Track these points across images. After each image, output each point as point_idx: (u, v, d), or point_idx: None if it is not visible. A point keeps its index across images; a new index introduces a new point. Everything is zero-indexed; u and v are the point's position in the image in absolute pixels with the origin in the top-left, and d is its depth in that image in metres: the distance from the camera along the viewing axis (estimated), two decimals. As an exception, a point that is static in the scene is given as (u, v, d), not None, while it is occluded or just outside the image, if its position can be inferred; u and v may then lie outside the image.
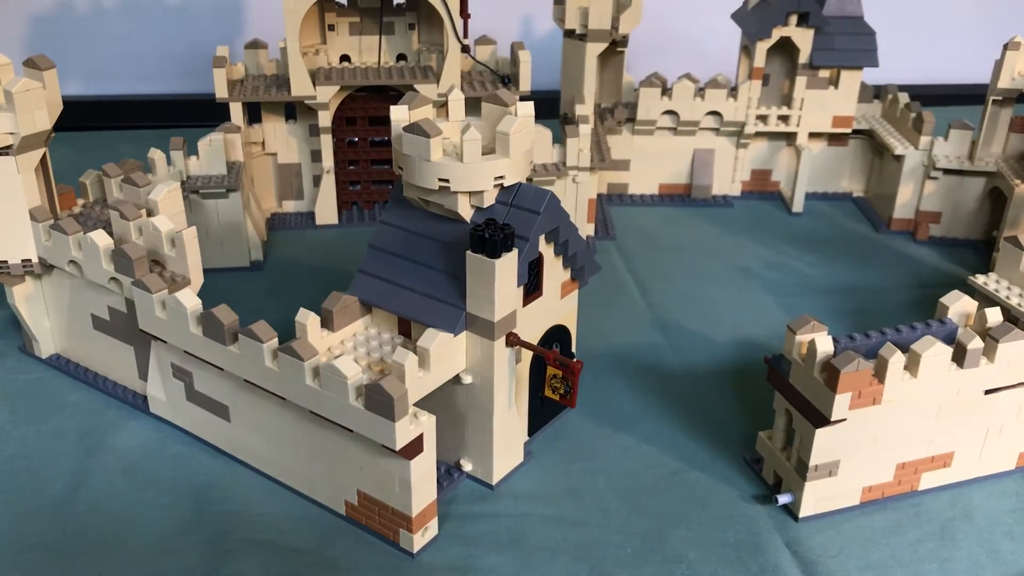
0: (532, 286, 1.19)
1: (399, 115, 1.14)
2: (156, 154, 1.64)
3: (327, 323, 1.18)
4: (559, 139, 1.82)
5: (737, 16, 2.06)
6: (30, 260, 1.37)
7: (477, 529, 1.17)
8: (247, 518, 1.18)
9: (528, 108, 1.12)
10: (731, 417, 1.38)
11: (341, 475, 1.15)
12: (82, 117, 2.28)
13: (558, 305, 1.26)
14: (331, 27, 1.87)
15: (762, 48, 1.95)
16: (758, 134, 2.06)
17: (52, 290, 1.42)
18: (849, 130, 2.04)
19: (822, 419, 1.11)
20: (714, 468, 1.28)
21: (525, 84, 1.83)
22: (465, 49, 1.81)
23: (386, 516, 1.13)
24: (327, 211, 1.93)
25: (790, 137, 2.07)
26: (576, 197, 1.82)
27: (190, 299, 1.17)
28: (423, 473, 1.09)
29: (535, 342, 1.23)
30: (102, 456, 1.28)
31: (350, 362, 1.04)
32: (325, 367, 1.05)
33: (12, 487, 1.22)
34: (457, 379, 1.17)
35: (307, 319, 1.13)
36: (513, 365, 1.18)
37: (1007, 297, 1.38)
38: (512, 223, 1.11)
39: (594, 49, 1.90)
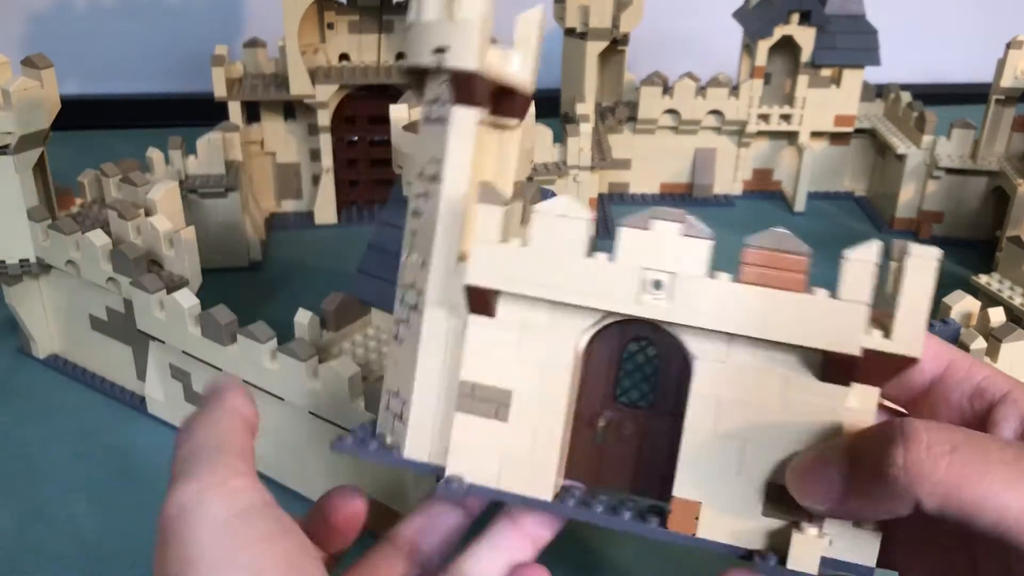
0: (532, 286, 1.18)
1: (398, 114, 1.13)
2: (154, 153, 1.63)
3: (326, 323, 1.17)
4: (560, 138, 1.81)
5: (739, 15, 2.05)
6: (28, 260, 1.36)
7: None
8: (246, 519, 1.17)
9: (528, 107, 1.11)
10: (732, 418, 1.37)
11: (341, 476, 1.14)
12: (80, 116, 2.27)
13: (558, 305, 1.25)
14: (330, 26, 1.87)
15: (764, 47, 1.95)
16: (760, 133, 2.05)
17: (50, 290, 1.42)
18: (851, 129, 2.04)
19: (824, 420, 1.10)
20: (715, 469, 1.27)
21: (525, 83, 1.82)
22: (465, 48, 1.80)
23: (386, 517, 1.12)
24: (326, 210, 1.93)
25: (792, 136, 2.06)
26: (577, 196, 1.81)
27: (188, 299, 1.17)
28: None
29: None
30: (101, 456, 1.27)
31: (349, 362, 1.04)
32: (324, 368, 1.04)
33: (11, 487, 1.22)
34: (457, 379, 1.16)
35: (306, 319, 1.12)
36: (513, 365, 1.17)
37: (1010, 297, 1.37)
38: (512, 222, 1.10)
39: (595, 48, 1.89)
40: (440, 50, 0.63)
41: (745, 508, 0.62)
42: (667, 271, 0.60)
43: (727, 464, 0.62)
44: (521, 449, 0.65)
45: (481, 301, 0.63)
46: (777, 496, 0.61)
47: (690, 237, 0.60)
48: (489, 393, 0.65)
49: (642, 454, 0.66)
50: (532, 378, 0.64)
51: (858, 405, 0.60)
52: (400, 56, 1.90)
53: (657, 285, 0.60)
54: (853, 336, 0.57)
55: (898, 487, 0.51)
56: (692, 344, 0.62)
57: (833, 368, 0.59)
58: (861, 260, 0.57)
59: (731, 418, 0.61)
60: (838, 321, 0.57)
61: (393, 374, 0.69)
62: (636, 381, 0.66)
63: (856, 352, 0.57)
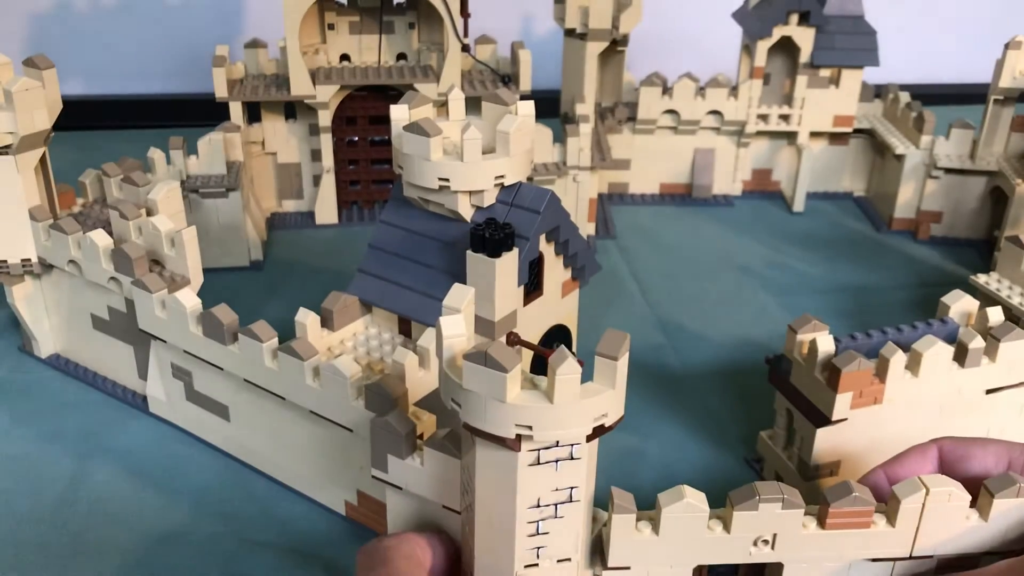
0: (532, 286, 1.19)
1: (399, 114, 1.13)
2: (156, 153, 1.64)
3: (327, 323, 1.18)
4: (560, 138, 1.81)
5: (738, 15, 2.06)
6: (29, 260, 1.36)
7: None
8: (247, 518, 1.18)
9: (528, 107, 1.11)
10: (732, 417, 1.37)
11: (341, 475, 1.15)
12: (82, 117, 2.27)
13: (559, 305, 1.26)
14: (331, 26, 1.87)
15: (763, 47, 1.95)
16: (759, 133, 2.06)
17: (52, 290, 1.42)
18: (850, 129, 2.04)
19: (823, 419, 1.11)
20: (715, 468, 1.28)
21: (525, 83, 1.82)
22: (465, 48, 1.80)
23: (386, 516, 1.12)
24: (327, 210, 1.93)
25: (791, 136, 2.06)
26: (576, 196, 1.81)
27: (190, 299, 1.17)
28: (423, 473, 1.10)
29: (535, 342, 1.23)
30: (102, 456, 1.28)
31: (350, 362, 1.04)
32: (325, 367, 1.05)
33: (12, 487, 1.22)
34: (457, 379, 1.16)
35: (307, 319, 1.13)
36: (513, 365, 1.18)
37: (1008, 296, 1.37)
38: (512, 222, 1.11)
39: (594, 48, 1.90)
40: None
41: None
42: (772, 533, 0.85)
43: None
44: None
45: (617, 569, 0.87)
46: None
47: (789, 508, 0.84)
48: None
49: None
50: None
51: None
52: (401, 56, 1.91)
53: (764, 542, 0.86)
54: (904, 547, 0.88)
55: None
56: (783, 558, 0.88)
57: (882, 561, 0.89)
58: (910, 502, 0.85)
59: None
60: (894, 538, 0.87)
61: None
62: None
63: (906, 555, 0.88)
